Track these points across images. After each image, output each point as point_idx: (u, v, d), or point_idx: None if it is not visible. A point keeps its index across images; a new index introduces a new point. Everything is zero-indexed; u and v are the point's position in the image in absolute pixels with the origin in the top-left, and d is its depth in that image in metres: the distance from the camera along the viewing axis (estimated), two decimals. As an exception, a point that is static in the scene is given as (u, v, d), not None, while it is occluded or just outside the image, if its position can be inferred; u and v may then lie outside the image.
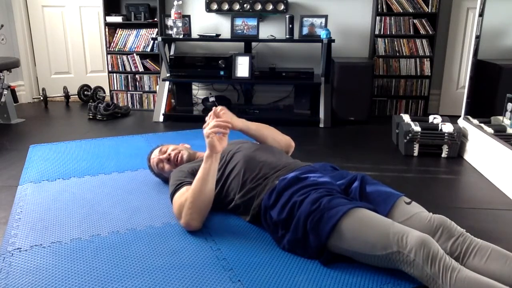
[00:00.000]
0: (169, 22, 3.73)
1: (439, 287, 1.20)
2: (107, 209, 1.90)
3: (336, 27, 3.95)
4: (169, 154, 2.00)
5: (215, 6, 3.87)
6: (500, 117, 2.71)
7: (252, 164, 1.73)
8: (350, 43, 4.04)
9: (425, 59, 3.80)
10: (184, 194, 1.68)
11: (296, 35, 3.73)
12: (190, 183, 1.71)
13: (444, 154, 2.77)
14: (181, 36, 3.68)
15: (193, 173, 1.80)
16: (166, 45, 3.84)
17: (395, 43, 3.81)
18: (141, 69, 4.07)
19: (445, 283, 1.18)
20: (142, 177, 2.27)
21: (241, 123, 1.81)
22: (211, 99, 3.86)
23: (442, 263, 1.20)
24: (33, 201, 1.99)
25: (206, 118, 1.70)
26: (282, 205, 1.53)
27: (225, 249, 1.56)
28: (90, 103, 3.81)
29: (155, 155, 2.06)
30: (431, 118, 2.94)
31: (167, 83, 3.82)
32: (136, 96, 4.15)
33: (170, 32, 3.77)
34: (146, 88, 4.13)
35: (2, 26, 3.85)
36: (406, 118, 2.97)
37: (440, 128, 2.77)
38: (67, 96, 4.34)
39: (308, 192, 1.51)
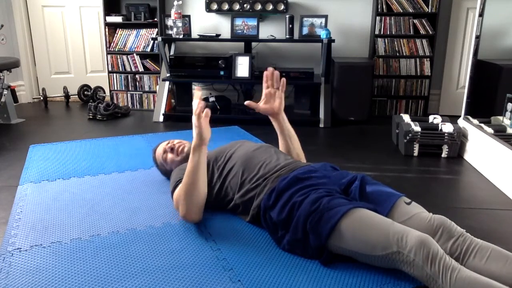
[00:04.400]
0: (169, 22, 3.73)
1: (439, 287, 1.20)
2: (107, 209, 1.90)
3: (336, 27, 3.95)
4: (174, 144, 2.06)
5: (215, 6, 3.87)
6: (500, 117, 2.71)
7: (251, 164, 1.73)
8: (350, 43, 4.04)
9: (425, 59, 3.80)
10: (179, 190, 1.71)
11: (296, 35, 3.73)
12: None
13: (444, 154, 2.77)
14: (181, 36, 3.68)
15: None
16: (166, 45, 3.84)
17: (395, 43, 3.81)
18: (141, 69, 4.07)
19: (445, 283, 1.18)
20: (142, 177, 2.27)
21: (282, 115, 1.93)
22: (211, 99, 3.86)
23: (442, 263, 1.20)
24: (33, 201, 1.99)
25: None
26: (282, 206, 1.53)
27: (225, 249, 1.56)
28: (90, 103, 3.81)
29: (161, 146, 2.11)
30: (431, 118, 2.94)
31: (167, 83, 3.82)
32: (136, 96, 4.15)
33: (170, 32, 3.77)
34: (146, 88, 4.13)
35: (2, 26, 3.85)
36: (406, 118, 2.97)
37: (440, 128, 2.77)
38: (67, 96, 4.34)
39: (308, 193, 1.50)
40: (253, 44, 3.92)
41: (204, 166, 1.66)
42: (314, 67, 3.88)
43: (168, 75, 3.79)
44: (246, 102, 1.88)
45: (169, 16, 3.70)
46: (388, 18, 3.76)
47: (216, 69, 3.67)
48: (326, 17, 3.68)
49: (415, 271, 1.25)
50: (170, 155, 2.06)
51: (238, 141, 1.95)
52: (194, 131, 1.62)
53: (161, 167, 2.15)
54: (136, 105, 4.17)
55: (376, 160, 2.72)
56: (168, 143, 2.10)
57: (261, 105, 1.91)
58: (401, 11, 3.74)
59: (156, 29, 3.98)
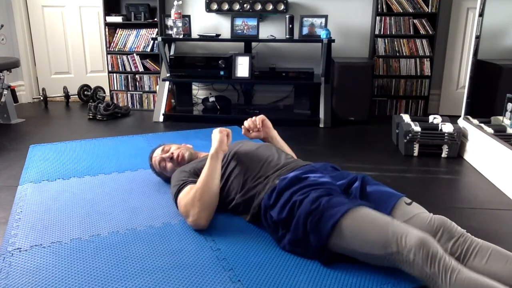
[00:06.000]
0: (169, 22, 3.73)
1: (439, 287, 1.20)
2: (107, 209, 1.90)
3: (336, 27, 3.95)
4: (172, 153, 2.00)
5: (215, 6, 3.87)
6: (500, 117, 2.71)
7: (253, 163, 1.74)
8: (350, 43, 4.04)
9: (425, 59, 3.80)
10: (189, 193, 1.68)
11: (296, 35, 3.73)
12: (193, 183, 1.72)
13: (444, 154, 2.77)
14: (181, 36, 3.68)
15: (195, 173, 1.80)
16: (166, 45, 3.84)
17: (395, 43, 3.81)
18: (141, 69, 4.07)
19: (444, 283, 1.18)
20: (142, 177, 2.26)
21: (275, 134, 2.08)
22: (211, 99, 3.86)
23: (442, 263, 1.20)
24: (33, 201, 1.99)
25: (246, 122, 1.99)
26: (282, 205, 1.53)
27: (225, 249, 1.56)
28: (90, 103, 3.81)
29: (157, 154, 2.05)
30: (431, 118, 2.94)
31: (167, 83, 3.82)
32: (136, 96, 4.15)
33: (170, 32, 3.77)
34: (146, 88, 4.13)
35: (2, 26, 3.85)
36: (406, 118, 2.97)
37: (440, 128, 2.77)
38: (67, 96, 4.34)
39: (308, 192, 1.50)
40: (253, 44, 3.92)
41: (219, 170, 1.74)
42: (314, 67, 3.88)
43: (168, 75, 3.79)
44: (243, 132, 2.02)
45: (169, 16, 3.69)
46: (388, 18, 3.76)
47: (216, 69, 3.67)
48: (326, 17, 3.67)
49: (414, 271, 1.25)
50: (170, 164, 2.01)
51: (240, 141, 1.95)
52: (216, 137, 1.77)
53: (160, 174, 2.11)
54: (136, 105, 4.17)
55: (376, 160, 2.72)
56: (163, 149, 2.04)
57: (252, 134, 2.03)
58: (401, 11, 3.74)
59: (156, 29, 3.98)
